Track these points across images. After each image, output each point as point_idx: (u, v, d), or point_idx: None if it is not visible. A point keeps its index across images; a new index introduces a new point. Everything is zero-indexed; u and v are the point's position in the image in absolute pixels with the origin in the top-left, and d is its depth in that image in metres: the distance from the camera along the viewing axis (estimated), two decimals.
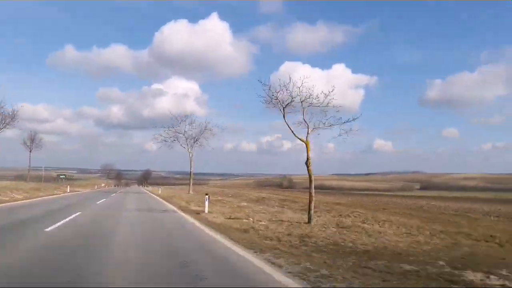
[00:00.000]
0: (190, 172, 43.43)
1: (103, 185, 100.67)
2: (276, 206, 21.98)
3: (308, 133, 13.11)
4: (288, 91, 12.92)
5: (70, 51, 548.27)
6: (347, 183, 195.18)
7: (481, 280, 5.67)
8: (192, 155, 42.99)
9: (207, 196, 17.84)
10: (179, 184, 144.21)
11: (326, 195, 49.84)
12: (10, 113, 40.45)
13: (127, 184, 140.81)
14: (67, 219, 12.01)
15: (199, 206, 20.67)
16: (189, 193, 39.93)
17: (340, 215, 15.75)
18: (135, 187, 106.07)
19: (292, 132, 13.22)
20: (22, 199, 24.63)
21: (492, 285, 5.45)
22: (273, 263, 6.20)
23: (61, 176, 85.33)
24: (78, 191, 50.56)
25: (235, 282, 5.13)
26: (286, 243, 8.70)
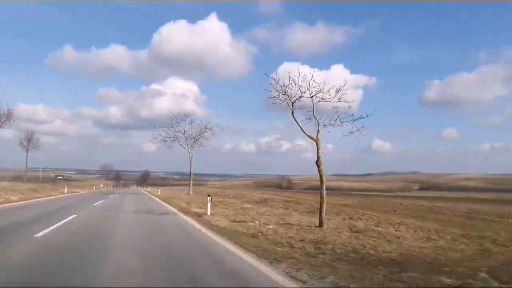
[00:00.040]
0: (190, 172, 42.54)
1: (101, 186, 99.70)
2: (281, 208, 21.17)
3: (318, 131, 12.30)
4: (297, 86, 12.14)
5: (69, 52, 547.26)
6: (346, 184, 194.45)
7: None
8: (192, 155, 42.16)
9: (209, 197, 17.00)
10: (178, 185, 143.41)
11: (329, 196, 49.02)
12: (6, 112, 39.58)
13: (125, 185, 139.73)
14: (60, 223, 11.16)
15: (200, 208, 19.84)
16: (189, 194, 39.07)
17: (351, 217, 14.94)
18: (134, 188, 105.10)
19: (302, 129, 12.41)
20: (17, 201, 23.73)
21: None
22: (293, 277, 5.37)
23: (58, 177, 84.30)
24: (76, 192, 49.61)
25: None
26: (301, 250, 7.88)
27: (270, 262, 6.38)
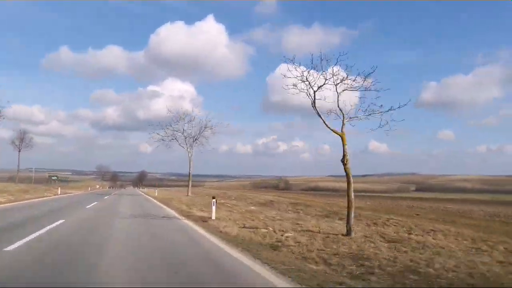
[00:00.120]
0: (189, 173, 40.73)
1: (97, 186, 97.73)
2: (290, 211, 19.50)
3: (343, 124, 10.65)
4: (319, 72, 10.52)
5: (65, 53, 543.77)
6: (344, 185, 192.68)
7: None
8: (192, 155, 40.40)
9: (213, 200, 15.36)
10: (175, 185, 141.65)
11: (332, 198, 47.43)
12: None
13: (122, 186, 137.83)
14: (43, 231, 9.42)
15: (202, 211, 18.20)
16: (188, 195, 37.33)
17: (375, 223, 13.28)
18: (130, 189, 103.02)
19: (324, 122, 10.74)
20: (4, 202, 21.94)
21: None
22: None
23: (53, 178, 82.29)
24: (70, 193, 47.74)
25: None
26: (341, 269, 6.23)
27: None
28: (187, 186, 40.98)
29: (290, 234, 10.16)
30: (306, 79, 10.51)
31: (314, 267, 6.34)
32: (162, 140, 40.29)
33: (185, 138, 40.27)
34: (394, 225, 12.66)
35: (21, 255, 6.47)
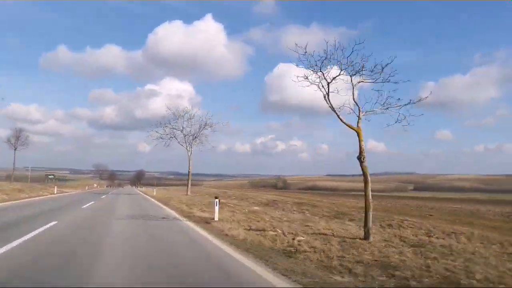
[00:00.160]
0: (189, 171, 39.82)
1: (95, 185, 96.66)
2: (295, 211, 18.70)
3: (359, 118, 9.83)
4: (333, 62, 9.70)
5: (63, 52, 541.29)
6: (342, 184, 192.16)
7: None
8: (191, 154, 39.54)
9: (216, 199, 14.58)
10: (173, 184, 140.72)
11: (331, 197, 46.63)
12: None
13: (120, 185, 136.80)
14: (32, 234, 8.57)
15: (203, 212, 17.42)
16: (187, 194, 36.47)
17: (389, 225, 12.46)
18: (128, 188, 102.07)
19: (338, 117, 9.91)
20: None
21: None
22: None
23: (49, 176, 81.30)
24: (67, 192, 46.85)
25: None
26: (371, 280, 5.42)
27: None
28: (185, 185, 40.18)
29: (302, 238, 9.35)
30: (320, 69, 9.69)
31: (339, 279, 5.53)
32: (161, 138, 39.47)
33: (185, 136, 39.46)
34: (411, 227, 11.85)
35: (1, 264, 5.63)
